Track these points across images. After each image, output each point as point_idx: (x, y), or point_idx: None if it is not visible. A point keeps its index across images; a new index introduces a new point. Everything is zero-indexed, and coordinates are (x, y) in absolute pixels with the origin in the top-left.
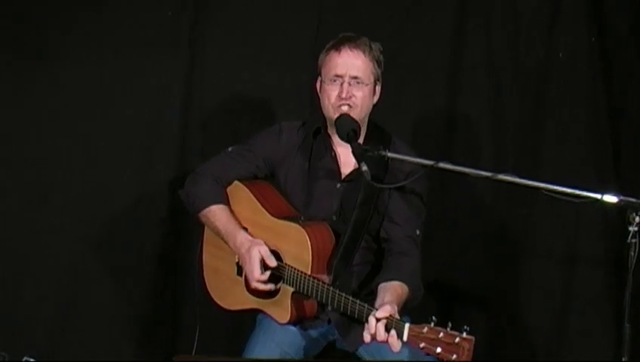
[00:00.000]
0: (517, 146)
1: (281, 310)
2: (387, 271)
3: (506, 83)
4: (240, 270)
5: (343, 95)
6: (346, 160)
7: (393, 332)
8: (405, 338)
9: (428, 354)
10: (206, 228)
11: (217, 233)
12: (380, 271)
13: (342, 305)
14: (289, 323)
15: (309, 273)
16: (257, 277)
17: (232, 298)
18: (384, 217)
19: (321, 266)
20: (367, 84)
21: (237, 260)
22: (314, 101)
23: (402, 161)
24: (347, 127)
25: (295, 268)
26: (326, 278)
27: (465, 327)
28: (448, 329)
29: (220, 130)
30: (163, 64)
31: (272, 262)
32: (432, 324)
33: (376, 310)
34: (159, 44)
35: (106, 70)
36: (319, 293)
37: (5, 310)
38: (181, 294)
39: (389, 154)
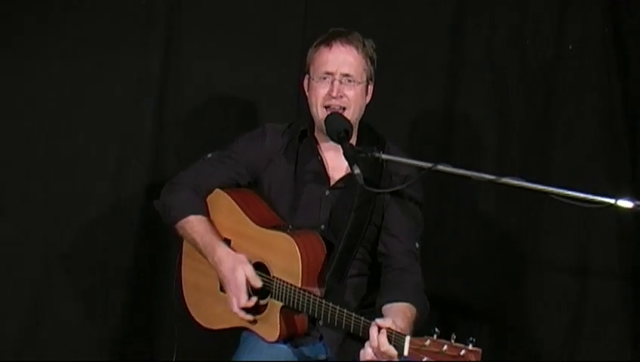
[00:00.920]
0: (523, 147)
1: (269, 327)
2: (389, 291)
3: (511, 79)
4: (223, 286)
5: (334, 93)
6: (335, 164)
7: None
8: (406, 352)
9: None
10: (184, 241)
11: (195, 246)
12: (379, 287)
13: (335, 318)
14: (278, 340)
15: (299, 286)
16: (244, 303)
17: (214, 316)
18: (380, 229)
19: (312, 278)
20: (359, 83)
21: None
22: (302, 101)
23: (398, 164)
24: (338, 127)
25: (284, 281)
26: (317, 291)
27: (470, 339)
28: (452, 341)
29: (198, 132)
30: (135, 59)
31: (258, 283)
32: (435, 336)
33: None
34: (131, 37)
35: (73, 66)
36: (310, 307)
37: None
38: (158, 312)
39: (384, 156)
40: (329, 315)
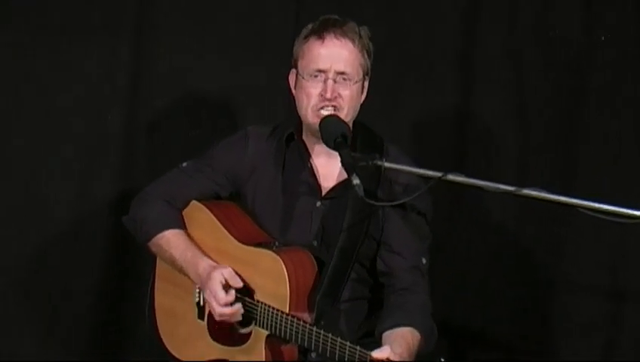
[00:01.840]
0: (547, 154)
1: (253, 359)
2: (391, 314)
3: (533, 76)
4: (201, 312)
5: (328, 95)
6: (327, 172)
7: None
8: None
9: None
10: (158, 260)
11: (173, 264)
12: (380, 311)
13: (328, 349)
14: None
15: (286, 311)
16: (222, 299)
17: (191, 347)
18: (380, 244)
19: (302, 302)
20: (355, 82)
21: (197, 299)
22: (292, 101)
23: (397, 171)
24: (335, 131)
25: (269, 306)
26: (308, 317)
27: None
28: None
29: (172, 137)
30: (101, 52)
31: (237, 283)
32: None
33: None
34: (97, 27)
35: (27, 58)
36: (300, 336)
37: None
38: (127, 343)
39: (387, 165)
40: (321, 345)
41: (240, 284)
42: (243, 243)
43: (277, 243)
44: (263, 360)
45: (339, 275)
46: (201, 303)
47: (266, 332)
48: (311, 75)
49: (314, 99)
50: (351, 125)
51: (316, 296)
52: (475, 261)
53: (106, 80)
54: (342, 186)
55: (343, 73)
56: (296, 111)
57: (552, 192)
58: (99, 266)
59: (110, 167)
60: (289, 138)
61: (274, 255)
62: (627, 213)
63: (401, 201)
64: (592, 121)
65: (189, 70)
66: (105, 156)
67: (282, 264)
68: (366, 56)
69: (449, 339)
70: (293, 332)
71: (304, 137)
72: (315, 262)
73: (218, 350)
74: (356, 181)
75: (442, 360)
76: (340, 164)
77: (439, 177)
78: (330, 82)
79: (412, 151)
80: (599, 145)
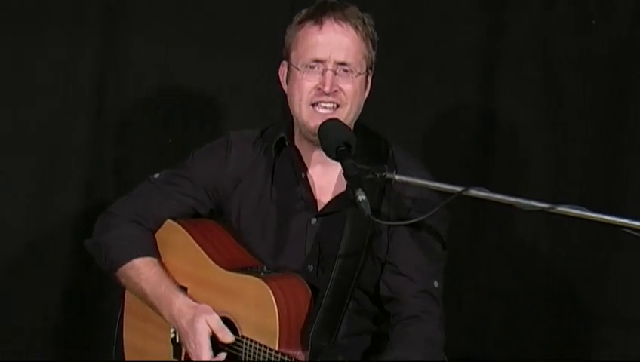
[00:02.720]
0: (585, 165)
1: None
2: (393, 347)
3: (569, 73)
4: (177, 350)
5: (326, 88)
6: (323, 183)
7: None
8: None
9: None
10: (127, 291)
11: (144, 298)
12: (385, 346)
13: None
14: None
15: (276, 348)
16: (208, 357)
17: None
18: (384, 265)
19: (294, 338)
20: (358, 74)
21: (172, 335)
22: (285, 102)
23: (414, 184)
24: (337, 138)
25: (256, 342)
26: (301, 355)
27: None
28: None
29: (143, 144)
30: (64, 46)
31: (228, 337)
32: None
33: None
34: (60, 17)
35: None
36: None
37: None
38: None
39: (398, 178)
40: None
41: (230, 339)
42: (225, 268)
43: (265, 268)
44: None
45: (337, 305)
46: (177, 340)
47: None
48: (306, 66)
49: (309, 93)
50: (352, 126)
51: (310, 330)
52: (501, 289)
53: (68, 78)
54: (340, 200)
55: (344, 64)
56: (289, 110)
57: (592, 210)
58: (60, 293)
59: (72, 179)
60: (279, 144)
61: (261, 282)
62: None
63: (414, 221)
64: (638, 124)
65: (165, 66)
66: (65, 167)
67: (271, 292)
68: (370, 46)
69: None
70: None
71: (297, 143)
72: (309, 290)
73: None
74: (362, 197)
75: None
76: (337, 175)
77: (459, 192)
78: (329, 73)
79: (427, 162)
80: None
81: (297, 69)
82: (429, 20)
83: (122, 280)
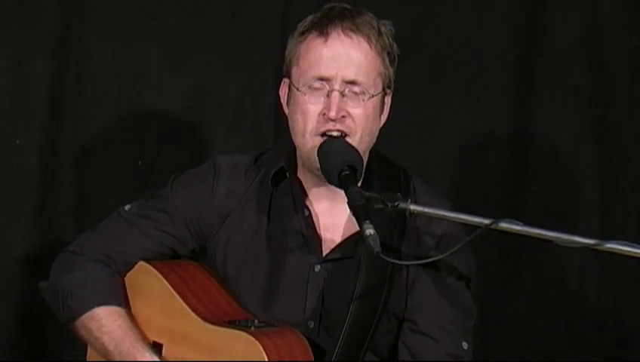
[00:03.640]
0: (637, 194)
1: None
2: None
3: (618, 83)
4: None
5: (331, 113)
6: (330, 222)
7: None
8: None
9: None
10: (89, 346)
11: (106, 356)
12: None
13: None
14: None
15: None
16: None
17: None
18: (402, 322)
19: None
20: (372, 95)
21: None
22: (281, 120)
23: (428, 217)
24: (340, 161)
25: None
26: None
27: None
28: None
29: (110, 170)
30: (16, 51)
31: None
32: None
33: None
34: (11, 17)
35: None
36: None
37: None
38: None
39: (413, 207)
40: None
41: None
42: (209, 321)
43: (256, 322)
44: None
45: None
46: None
47: None
48: (309, 87)
49: (313, 121)
50: (366, 157)
51: None
52: (540, 346)
53: (18, 88)
54: (351, 243)
55: (353, 83)
56: (290, 136)
57: None
58: (10, 342)
59: (24, 210)
60: (278, 175)
61: (251, 339)
62: None
63: (434, 259)
64: None
65: (135, 76)
66: (16, 196)
67: (263, 351)
68: (387, 61)
69: None
70: None
71: (300, 174)
72: (309, 350)
73: None
74: (369, 231)
75: None
76: (348, 213)
77: (487, 225)
78: (335, 95)
79: (451, 190)
80: None
81: (298, 90)
82: (450, 19)
83: (82, 333)
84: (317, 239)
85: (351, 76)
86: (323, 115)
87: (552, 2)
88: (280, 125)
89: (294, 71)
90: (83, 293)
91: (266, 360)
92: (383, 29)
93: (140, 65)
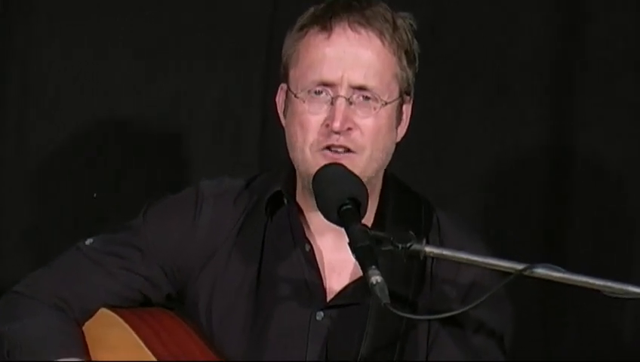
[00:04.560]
0: None
1: None
2: None
3: None
4: None
5: (335, 124)
6: (337, 261)
7: None
8: None
9: None
10: None
11: None
12: None
13: None
14: None
15: None
16: None
17: None
18: None
19: None
20: (385, 103)
21: None
22: (279, 133)
23: (456, 261)
24: (338, 193)
25: None
26: None
27: None
28: None
29: (63, 197)
30: None
31: None
32: None
33: None
34: None
35: None
36: None
37: None
38: None
39: (429, 249)
40: None
41: None
42: None
43: None
44: None
45: None
46: None
47: None
48: (309, 92)
49: (314, 133)
50: (379, 179)
51: None
52: None
53: None
54: (361, 286)
55: (363, 88)
56: (287, 154)
57: None
58: None
59: None
60: (274, 202)
61: None
62: None
63: (456, 312)
64: None
65: (90, 80)
66: None
67: None
68: (405, 61)
69: None
70: None
71: (300, 200)
72: None
73: None
74: (375, 278)
75: None
76: None
77: (520, 271)
78: (340, 103)
79: (475, 221)
80: None
81: (297, 96)
82: (473, 16)
83: None
84: (320, 280)
85: (359, 80)
86: (326, 126)
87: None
88: (270, 140)
89: (292, 74)
90: (35, 345)
91: None
92: (399, 22)
93: (98, 68)
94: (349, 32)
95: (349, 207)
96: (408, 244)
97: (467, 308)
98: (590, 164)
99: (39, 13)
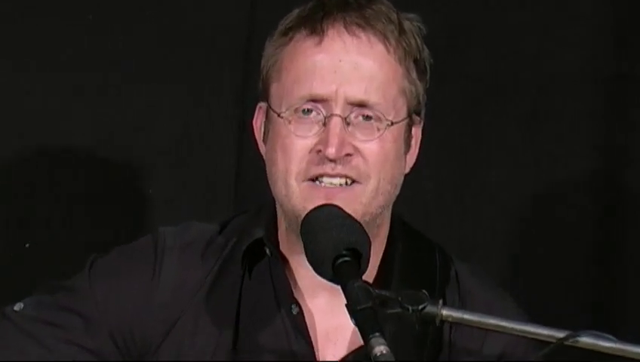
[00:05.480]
0: None
1: None
2: None
3: None
4: None
5: (331, 150)
6: (331, 325)
7: None
8: None
9: None
10: None
11: None
12: None
13: None
14: None
15: None
16: None
17: None
18: None
19: None
20: (390, 123)
21: None
22: (258, 164)
23: (483, 326)
24: (333, 241)
25: None
26: None
27: None
28: None
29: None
30: None
31: None
32: None
33: None
34: None
35: None
36: None
37: None
38: None
39: (446, 313)
40: None
41: None
42: None
43: None
44: None
45: None
46: None
47: None
48: (296, 111)
49: (301, 161)
50: (385, 220)
51: None
52: None
53: None
54: (360, 356)
55: (363, 105)
56: (268, 187)
57: None
58: None
59: None
60: (252, 251)
61: None
62: None
63: None
64: None
65: (30, 107)
66: None
67: None
68: (414, 73)
69: None
70: None
71: (284, 248)
72: None
73: None
74: (380, 348)
75: None
76: None
77: (561, 340)
78: (336, 123)
79: (504, 275)
80: None
81: (280, 116)
82: (502, 23)
83: None
84: (311, 351)
85: (359, 95)
86: (317, 152)
87: None
88: (248, 174)
89: (274, 89)
90: None
91: None
92: (406, 24)
93: (34, 83)
94: (346, 35)
95: (346, 259)
96: (421, 307)
97: None
98: None
99: None
